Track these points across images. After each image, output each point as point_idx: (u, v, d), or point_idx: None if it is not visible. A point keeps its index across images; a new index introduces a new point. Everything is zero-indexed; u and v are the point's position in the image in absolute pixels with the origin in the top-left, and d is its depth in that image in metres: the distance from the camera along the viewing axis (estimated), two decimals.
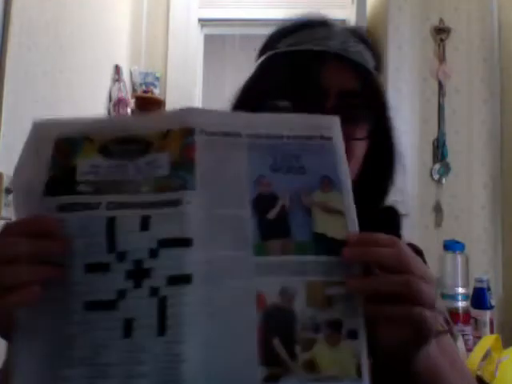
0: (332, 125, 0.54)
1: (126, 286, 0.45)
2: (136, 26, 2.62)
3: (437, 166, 2.08)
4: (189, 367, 0.43)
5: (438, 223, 2.05)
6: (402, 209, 0.72)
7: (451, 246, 1.78)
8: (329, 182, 0.52)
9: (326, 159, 0.53)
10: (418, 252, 0.69)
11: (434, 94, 2.11)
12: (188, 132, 0.50)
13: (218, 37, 3.49)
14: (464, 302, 1.72)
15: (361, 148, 0.67)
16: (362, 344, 0.47)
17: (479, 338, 1.62)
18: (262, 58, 0.72)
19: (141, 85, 2.55)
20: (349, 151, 0.61)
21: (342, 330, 0.47)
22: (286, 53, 0.69)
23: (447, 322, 0.71)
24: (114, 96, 2.35)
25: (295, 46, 0.68)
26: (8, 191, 1.35)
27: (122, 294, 0.45)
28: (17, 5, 1.48)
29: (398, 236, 0.67)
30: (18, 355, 0.45)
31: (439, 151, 2.08)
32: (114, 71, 2.38)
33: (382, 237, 0.49)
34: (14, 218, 0.48)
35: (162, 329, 0.44)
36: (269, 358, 0.45)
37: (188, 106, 0.52)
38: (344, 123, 0.61)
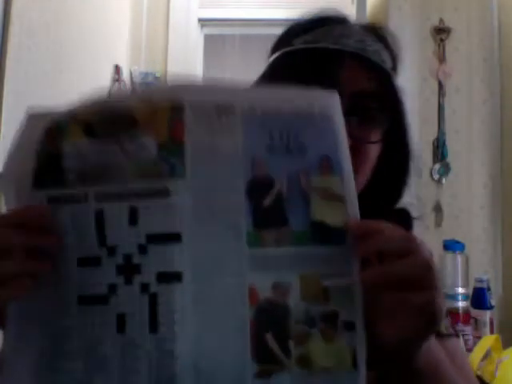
0: (331, 102, 0.51)
1: (117, 281, 0.45)
2: (136, 26, 2.62)
3: (437, 166, 2.07)
4: (181, 364, 0.43)
5: (438, 223, 2.05)
6: (414, 211, 0.71)
7: (451, 245, 1.78)
8: (328, 163, 0.48)
9: (326, 138, 0.49)
10: None
11: (434, 94, 2.11)
12: (176, 107, 0.47)
13: (217, 37, 3.49)
14: (464, 302, 1.72)
15: (375, 150, 0.65)
16: (359, 335, 0.46)
17: (479, 337, 1.62)
18: (277, 55, 0.69)
19: (141, 85, 2.55)
20: (363, 153, 0.61)
21: (338, 321, 0.46)
22: (301, 50, 0.66)
23: (452, 326, 0.70)
24: None
25: (311, 43, 0.66)
26: None
27: (113, 288, 0.45)
28: (17, 5, 1.48)
29: None
30: (10, 348, 0.45)
31: (439, 151, 2.08)
32: (114, 71, 2.38)
33: (384, 224, 0.47)
34: (3, 210, 0.48)
35: (154, 326, 0.44)
36: (261, 353, 0.45)
37: (179, 79, 0.49)
38: (359, 125, 0.60)
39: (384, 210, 0.65)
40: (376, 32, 0.69)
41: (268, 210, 0.47)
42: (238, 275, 0.45)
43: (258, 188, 0.47)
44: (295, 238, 0.47)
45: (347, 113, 0.52)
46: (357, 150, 0.58)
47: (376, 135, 0.64)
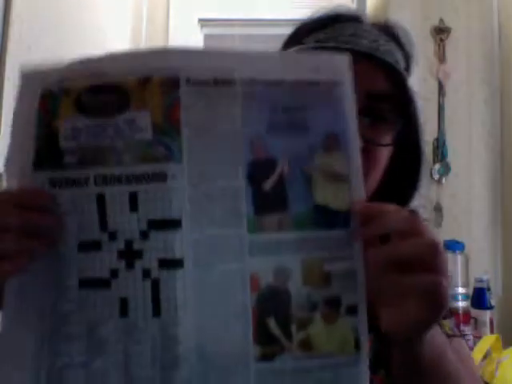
0: (341, 66, 0.47)
1: (119, 266, 0.45)
2: (136, 26, 2.62)
3: (437, 166, 2.07)
4: (185, 348, 0.44)
5: (438, 223, 2.05)
6: (423, 214, 0.70)
7: (451, 245, 1.78)
8: (334, 140, 0.46)
9: (333, 111, 0.46)
10: None
11: (434, 94, 2.11)
12: (171, 83, 0.44)
13: (217, 37, 3.49)
14: (464, 302, 1.72)
15: (386, 153, 0.63)
16: (361, 319, 0.46)
17: (479, 337, 1.62)
18: None
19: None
20: (374, 156, 0.60)
21: (341, 306, 0.46)
22: (311, 49, 0.64)
23: (457, 327, 0.69)
24: None
25: (322, 42, 0.64)
26: None
27: (114, 273, 0.45)
28: (17, 5, 1.48)
29: None
30: (9, 330, 0.45)
31: (439, 151, 2.08)
32: None
33: (389, 205, 0.46)
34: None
35: (157, 311, 0.44)
36: (263, 337, 0.45)
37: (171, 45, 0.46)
38: (371, 127, 0.59)
39: None
40: (389, 31, 0.67)
41: (269, 194, 0.45)
42: (239, 261, 0.45)
43: (258, 171, 0.45)
44: (297, 222, 0.45)
45: (359, 114, 0.51)
46: (368, 152, 0.57)
47: (388, 137, 0.62)
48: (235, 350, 0.44)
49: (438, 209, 2.07)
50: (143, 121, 0.44)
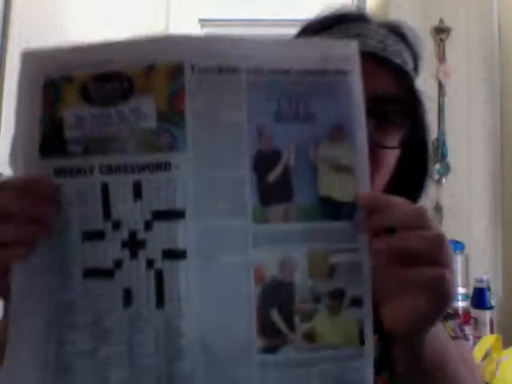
0: (349, 54, 0.46)
1: (122, 256, 0.45)
2: (136, 26, 2.62)
3: (437, 166, 2.07)
4: (188, 340, 0.43)
5: (438, 223, 2.05)
6: None
7: (451, 245, 1.78)
8: (340, 130, 0.45)
9: (340, 102, 0.45)
10: None
11: (434, 94, 2.11)
12: (175, 70, 0.44)
13: None
14: (464, 302, 1.72)
15: (393, 155, 0.62)
16: (366, 311, 0.45)
17: (479, 338, 1.62)
18: None
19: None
20: (381, 158, 0.59)
21: (345, 298, 0.45)
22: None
23: (460, 329, 0.69)
24: None
25: None
26: None
27: (118, 263, 0.45)
28: (17, 4, 1.48)
29: None
30: (14, 319, 0.45)
31: (439, 151, 2.08)
32: None
33: (395, 197, 0.45)
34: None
35: (160, 302, 0.44)
36: (267, 329, 0.44)
37: (174, 33, 0.44)
38: (377, 129, 0.58)
39: None
40: (397, 31, 0.65)
41: (274, 185, 0.45)
42: (243, 252, 0.44)
43: (263, 161, 0.45)
44: (302, 213, 0.45)
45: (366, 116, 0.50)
46: (374, 155, 0.55)
47: (395, 140, 0.61)
48: (238, 341, 0.44)
49: (438, 209, 2.07)
50: (148, 108, 0.44)
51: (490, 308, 1.75)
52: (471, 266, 1.83)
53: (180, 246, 0.43)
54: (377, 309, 0.46)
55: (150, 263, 0.44)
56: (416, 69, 0.66)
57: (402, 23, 0.67)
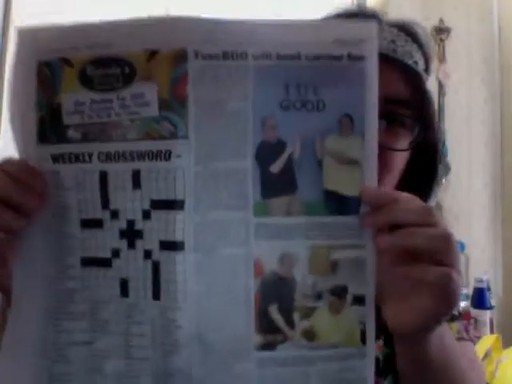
0: (365, 38, 0.43)
1: (120, 246, 0.44)
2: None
3: None
4: (184, 334, 0.43)
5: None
6: None
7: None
8: (349, 123, 0.43)
9: (351, 90, 0.43)
10: None
11: (434, 94, 2.11)
12: (179, 56, 0.42)
13: None
14: (464, 302, 1.72)
15: (403, 158, 0.60)
16: (368, 310, 0.44)
17: (479, 337, 1.62)
18: None
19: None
20: (390, 161, 0.57)
21: (347, 296, 0.44)
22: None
23: (466, 331, 0.68)
24: None
25: None
26: None
27: (116, 252, 0.44)
28: (17, 4, 1.48)
29: None
30: (14, 308, 0.45)
31: None
32: None
33: (402, 193, 0.44)
34: None
35: (157, 293, 0.43)
36: (265, 326, 0.43)
37: (177, 16, 0.42)
38: (387, 131, 0.56)
39: None
40: (408, 30, 0.63)
41: (277, 177, 0.43)
42: (244, 245, 0.43)
43: (267, 152, 0.43)
44: (306, 207, 0.43)
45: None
46: (384, 158, 0.55)
47: (405, 142, 0.59)
48: (236, 337, 0.43)
49: (437, 209, 2.07)
50: (149, 95, 0.42)
51: (490, 308, 1.75)
52: (471, 266, 1.83)
53: (178, 237, 0.42)
54: (380, 311, 0.45)
55: (147, 254, 0.43)
56: (427, 69, 0.65)
57: (413, 22, 0.66)
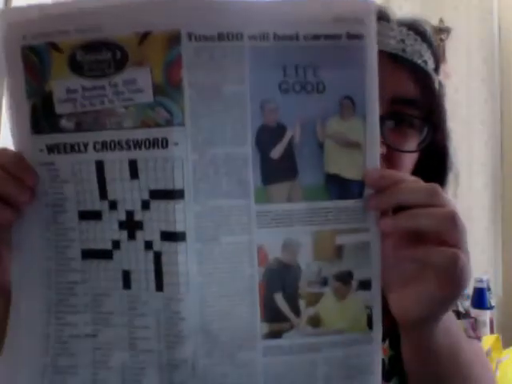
0: (363, 14, 0.42)
1: (120, 237, 0.43)
2: None
3: None
4: (189, 325, 0.42)
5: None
6: None
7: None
8: (350, 105, 0.42)
9: (352, 71, 0.42)
10: None
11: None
12: (172, 38, 0.40)
13: None
14: (464, 302, 1.72)
15: (411, 159, 0.59)
16: (374, 295, 0.44)
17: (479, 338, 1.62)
18: None
19: None
20: (397, 162, 0.56)
21: (353, 281, 0.43)
22: None
23: (473, 329, 0.67)
24: None
25: None
26: None
27: (116, 244, 0.44)
28: (17, 4, 1.48)
29: None
30: (16, 302, 0.44)
31: None
32: None
33: (406, 174, 0.43)
34: None
35: (160, 284, 0.43)
36: (271, 314, 0.43)
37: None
38: (395, 132, 0.55)
39: None
40: (418, 29, 0.63)
41: (278, 162, 0.42)
42: (246, 233, 0.42)
43: (267, 137, 0.42)
44: (308, 192, 0.43)
45: (383, 119, 0.47)
46: (392, 159, 0.54)
47: (413, 143, 0.58)
48: (242, 327, 0.43)
49: None
50: (143, 80, 0.40)
51: (490, 308, 1.75)
52: (471, 266, 1.83)
53: (179, 227, 0.42)
54: (387, 312, 0.44)
55: (148, 245, 0.43)
56: (437, 69, 0.64)
57: (422, 20, 0.65)
